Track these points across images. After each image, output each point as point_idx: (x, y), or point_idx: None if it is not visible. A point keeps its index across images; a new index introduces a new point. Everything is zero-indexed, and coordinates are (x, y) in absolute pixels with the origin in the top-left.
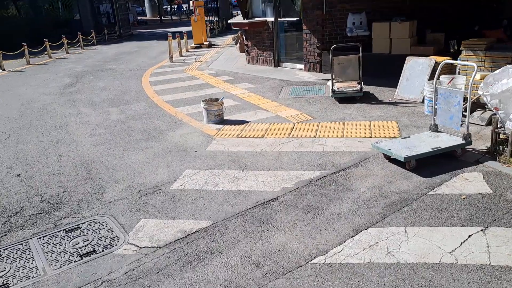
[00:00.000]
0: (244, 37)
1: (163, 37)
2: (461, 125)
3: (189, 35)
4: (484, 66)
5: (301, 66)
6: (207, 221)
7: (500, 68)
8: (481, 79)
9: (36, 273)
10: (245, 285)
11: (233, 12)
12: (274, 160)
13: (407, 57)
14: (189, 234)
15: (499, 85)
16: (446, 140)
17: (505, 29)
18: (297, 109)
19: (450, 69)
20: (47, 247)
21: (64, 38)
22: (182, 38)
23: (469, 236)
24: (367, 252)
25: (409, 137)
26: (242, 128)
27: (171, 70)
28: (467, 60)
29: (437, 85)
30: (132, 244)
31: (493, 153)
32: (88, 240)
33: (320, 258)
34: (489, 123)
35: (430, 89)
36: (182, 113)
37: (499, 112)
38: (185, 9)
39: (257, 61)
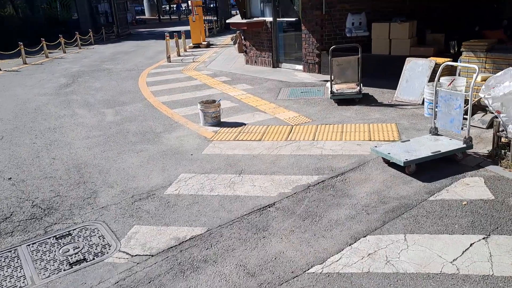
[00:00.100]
0: (242, 37)
1: (162, 36)
2: (462, 128)
3: (188, 34)
4: (485, 68)
5: (300, 67)
6: (202, 227)
7: (501, 69)
8: (482, 81)
9: (23, 282)
10: None
11: (232, 11)
12: (271, 164)
13: (407, 58)
14: (182, 242)
15: (501, 88)
16: (446, 144)
17: (506, 30)
18: (295, 111)
19: (450, 70)
20: (36, 255)
21: (61, 38)
22: (180, 38)
23: (471, 245)
24: (366, 261)
25: (409, 140)
26: (239, 131)
27: (169, 71)
28: (468, 62)
29: (437, 88)
30: (123, 252)
31: (494, 157)
32: (79, 247)
33: (317, 267)
34: (490, 126)
35: (430, 91)
36: (178, 115)
37: (501, 115)
38: (184, 8)
39: (255, 62)
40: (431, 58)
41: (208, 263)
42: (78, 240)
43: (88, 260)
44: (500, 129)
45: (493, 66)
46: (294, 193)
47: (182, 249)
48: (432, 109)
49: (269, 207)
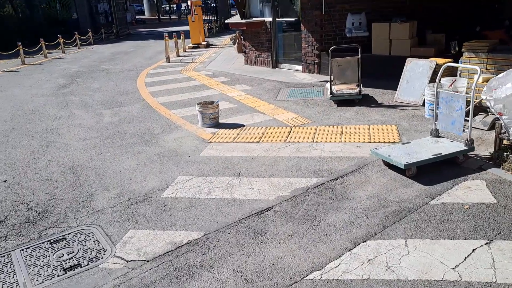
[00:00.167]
0: (241, 38)
1: (161, 36)
2: (463, 130)
3: (187, 34)
4: (486, 69)
5: (300, 67)
6: (199, 232)
7: (502, 70)
8: (483, 82)
9: None
10: None
11: (232, 11)
12: (270, 166)
13: (407, 59)
14: (179, 247)
15: (503, 90)
16: (447, 146)
17: (507, 30)
18: (294, 112)
19: (451, 71)
20: (30, 260)
21: (60, 38)
22: (179, 38)
23: (473, 250)
24: (366, 267)
25: (409, 142)
26: (238, 132)
27: (167, 71)
28: (469, 63)
29: (438, 89)
30: (118, 257)
31: (496, 160)
32: (73, 252)
33: (316, 274)
34: (491, 127)
35: (430, 92)
36: (176, 116)
37: (503, 117)
38: (184, 8)
39: (254, 62)
40: (432, 58)
41: (204, 269)
42: (72, 245)
43: (82, 266)
44: (502, 131)
45: (495, 67)
46: (293, 196)
47: (178, 254)
48: (433, 110)
49: (267, 211)
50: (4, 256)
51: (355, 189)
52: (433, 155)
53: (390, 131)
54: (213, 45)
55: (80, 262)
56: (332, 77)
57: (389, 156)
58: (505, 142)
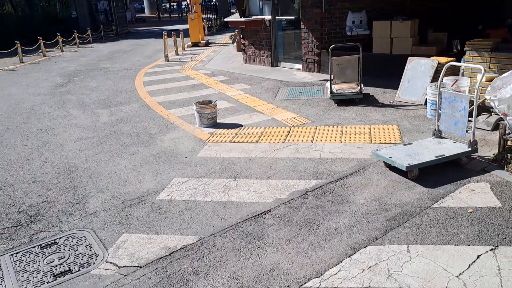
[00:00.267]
0: (241, 36)
1: (161, 35)
2: (467, 131)
3: (187, 33)
4: (489, 68)
5: (299, 66)
6: (194, 236)
7: (506, 69)
8: (486, 81)
9: None
10: None
11: (232, 10)
12: (268, 168)
13: (409, 58)
14: (173, 252)
15: (508, 90)
16: (450, 147)
17: (510, 29)
18: (294, 112)
19: (453, 70)
20: (19, 265)
21: (59, 36)
22: (178, 36)
23: (478, 257)
24: (366, 274)
25: (411, 143)
26: (236, 132)
27: (166, 70)
28: (472, 62)
29: (441, 89)
30: (111, 262)
31: (500, 161)
32: (64, 257)
33: (315, 281)
34: (495, 128)
35: (432, 92)
36: (174, 116)
37: (508, 118)
38: (185, 6)
39: (254, 61)
40: (434, 57)
41: (199, 275)
42: (64, 250)
43: (73, 272)
44: (506, 132)
45: (498, 66)
46: (291, 199)
47: (173, 259)
48: (435, 110)
49: (265, 214)
50: None
51: (355, 192)
52: (435, 157)
53: (392, 132)
54: (212, 43)
55: (71, 268)
56: (332, 76)
57: (391, 157)
58: (509, 143)
